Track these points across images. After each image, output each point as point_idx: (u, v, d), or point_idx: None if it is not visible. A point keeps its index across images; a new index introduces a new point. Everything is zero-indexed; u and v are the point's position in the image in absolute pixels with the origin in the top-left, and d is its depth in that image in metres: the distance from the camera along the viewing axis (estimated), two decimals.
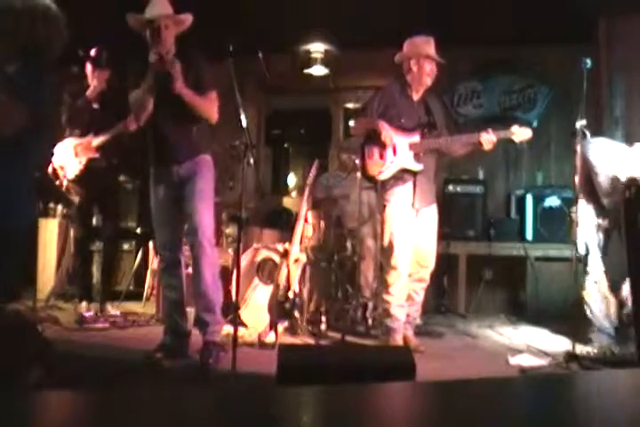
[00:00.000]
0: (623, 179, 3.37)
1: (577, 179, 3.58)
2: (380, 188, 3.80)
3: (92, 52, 4.47)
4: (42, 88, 2.16)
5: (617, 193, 3.46)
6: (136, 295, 5.11)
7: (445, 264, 5.03)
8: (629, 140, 4.24)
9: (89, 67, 4.50)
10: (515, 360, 3.48)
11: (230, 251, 4.58)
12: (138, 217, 5.75)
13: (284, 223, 4.94)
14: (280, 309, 4.00)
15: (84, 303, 4.65)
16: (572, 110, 3.70)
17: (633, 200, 3.17)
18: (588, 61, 3.43)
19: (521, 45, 5.55)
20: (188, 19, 3.37)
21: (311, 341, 3.92)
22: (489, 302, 5.47)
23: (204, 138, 3.42)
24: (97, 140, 4.46)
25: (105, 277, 4.74)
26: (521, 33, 5.24)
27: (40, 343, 2.58)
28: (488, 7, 4.79)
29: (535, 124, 5.65)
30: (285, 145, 7.36)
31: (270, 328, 3.80)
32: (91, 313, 4.35)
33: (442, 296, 5.41)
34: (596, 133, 4.08)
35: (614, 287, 3.69)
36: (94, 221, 4.90)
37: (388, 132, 3.69)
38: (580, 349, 3.53)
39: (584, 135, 3.53)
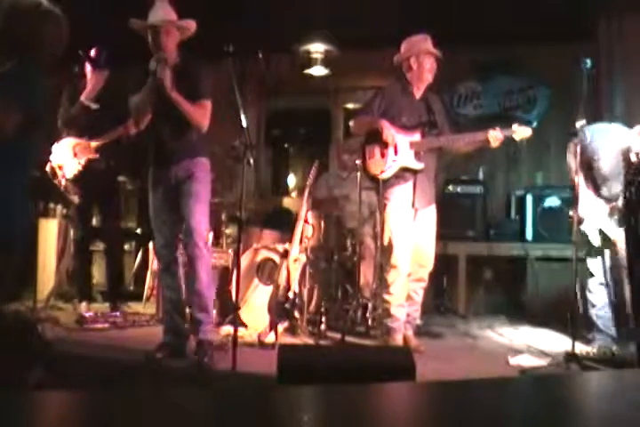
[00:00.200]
0: (634, 158, 3.36)
1: (574, 169, 3.59)
2: (381, 186, 3.80)
3: (92, 53, 4.47)
4: (34, 87, 2.14)
5: (629, 172, 3.42)
6: (136, 296, 5.10)
7: (445, 264, 5.02)
8: None
9: (88, 67, 4.51)
10: (515, 361, 3.48)
11: (230, 251, 4.57)
12: (138, 217, 5.75)
13: (284, 224, 4.93)
14: (280, 309, 4.00)
15: (83, 303, 4.66)
16: (571, 110, 3.69)
17: (633, 200, 3.16)
18: (588, 61, 3.42)
19: (521, 45, 5.55)
20: (191, 26, 3.37)
21: (311, 341, 3.92)
22: (489, 303, 5.47)
23: (202, 141, 3.45)
24: (96, 142, 4.46)
25: (113, 277, 4.74)
26: (521, 33, 5.24)
27: (40, 343, 2.58)
28: (488, 7, 4.79)
29: (535, 124, 5.65)
30: (285, 145, 7.35)
31: (270, 328, 3.80)
32: (91, 313, 4.35)
33: (442, 297, 5.40)
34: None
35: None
36: (94, 221, 4.91)
37: (389, 131, 3.69)
38: (580, 349, 3.53)
39: (584, 136, 3.53)
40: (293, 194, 6.99)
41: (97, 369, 3.03)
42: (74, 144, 4.49)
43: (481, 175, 5.67)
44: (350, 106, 6.41)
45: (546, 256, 5.08)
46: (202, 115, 3.34)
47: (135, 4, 3.25)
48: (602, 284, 3.71)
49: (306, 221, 4.33)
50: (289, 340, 3.91)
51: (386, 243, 3.78)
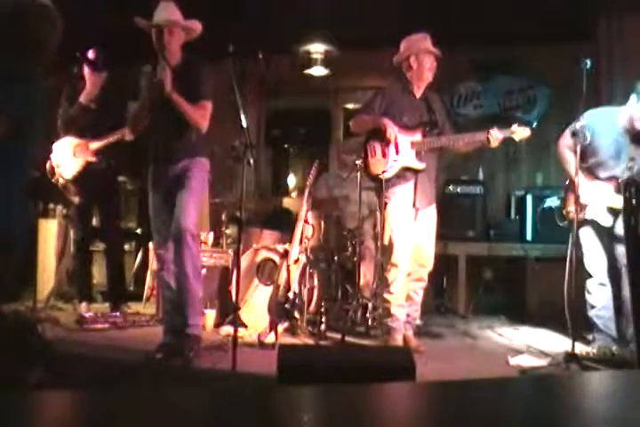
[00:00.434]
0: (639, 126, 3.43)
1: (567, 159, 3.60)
2: (383, 186, 3.81)
3: (90, 54, 4.47)
4: (31, 89, 2.13)
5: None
6: (136, 296, 5.10)
7: (445, 265, 5.03)
8: None
9: (86, 69, 4.51)
10: (515, 361, 3.48)
11: (230, 251, 4.57)
12: (138, 217, 5.75)
13: (284, 224, 4.93)
14: (280, 309, 4.00)
15: (84, 304, 4.66)
16: (571, 110, 3.69)
17: (633, 200, 3.15)
18: (588, 61, 3.42)
19: (521, 45, 5.55)
20: (196, 27, 3.38)
21: (311, 341, 3.92)
22: (489, 303, 5.46)
23: (201, 141, 3.46)
24: (95, 145, 4.46)
25: (113, 277, 4.74)
26: (521, 33, 5.24)
27: (40, 343, 2.58)
28: (488, 7, 4.80)
29: (535, 124, 5.65)
30: (285, 145, 7.35)
31: (270, 329, 3.80)
32: (91, 313, 4.35)
33: (442, 297, 5.41)
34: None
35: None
36: (94, 221, 4.91)
37: (392, 129, 3.70)
38: (580, 349, 3.53)
39: (584, 136, 3.53)
40: (293, 194, 6.99)
41: (97, 369, 3.03)
42: (74, 144, 4.50)
43: (481, 175, 5.67)
44: (350, 106, 6.41)
45: (546, 256, 5.08)
46: (201, 116, 3.35)
47: (139, 4, 3.25)
48: (601, 284, 3.70)
49: (306, 222, 4.33)
50: (289, 340, 3.91)
51: (386, 242, 3.78)
